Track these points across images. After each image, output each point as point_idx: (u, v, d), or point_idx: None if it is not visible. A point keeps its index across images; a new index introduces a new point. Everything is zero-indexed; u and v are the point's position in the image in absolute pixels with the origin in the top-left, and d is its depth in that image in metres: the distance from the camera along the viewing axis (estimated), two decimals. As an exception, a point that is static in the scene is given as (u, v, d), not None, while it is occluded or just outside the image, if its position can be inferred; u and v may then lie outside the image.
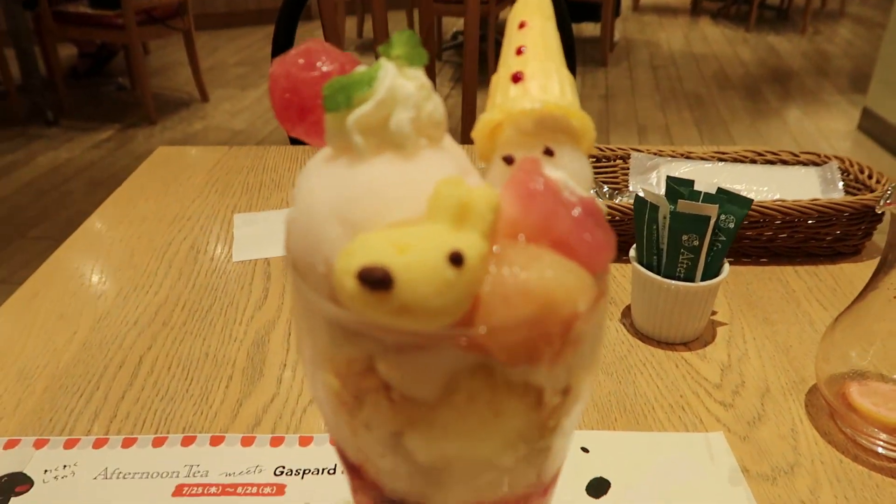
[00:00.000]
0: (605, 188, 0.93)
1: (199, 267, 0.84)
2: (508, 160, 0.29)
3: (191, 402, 0.63)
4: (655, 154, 0.96)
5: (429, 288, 0.22)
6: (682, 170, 0.94)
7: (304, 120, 0.30)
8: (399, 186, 0.25)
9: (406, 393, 0.25)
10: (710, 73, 4.57)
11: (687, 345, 0.71)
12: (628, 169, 0.96)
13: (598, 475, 0.56)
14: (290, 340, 0.71)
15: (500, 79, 0.31)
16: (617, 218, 0.81)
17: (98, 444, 0.59)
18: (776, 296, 0.79)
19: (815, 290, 0.79)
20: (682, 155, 0.96)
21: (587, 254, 0.25)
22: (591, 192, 0.30)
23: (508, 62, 0.31)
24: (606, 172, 0.97)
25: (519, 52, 0.31)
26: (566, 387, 0.27)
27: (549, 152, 0.29)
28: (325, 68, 0.30)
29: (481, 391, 0.25)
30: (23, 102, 3.80)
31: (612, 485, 0.55)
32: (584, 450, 0.58)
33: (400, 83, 0.25)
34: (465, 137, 1.45)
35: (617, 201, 0.91)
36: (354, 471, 0.30)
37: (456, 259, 0.22)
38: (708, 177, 0.92)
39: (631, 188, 0.94)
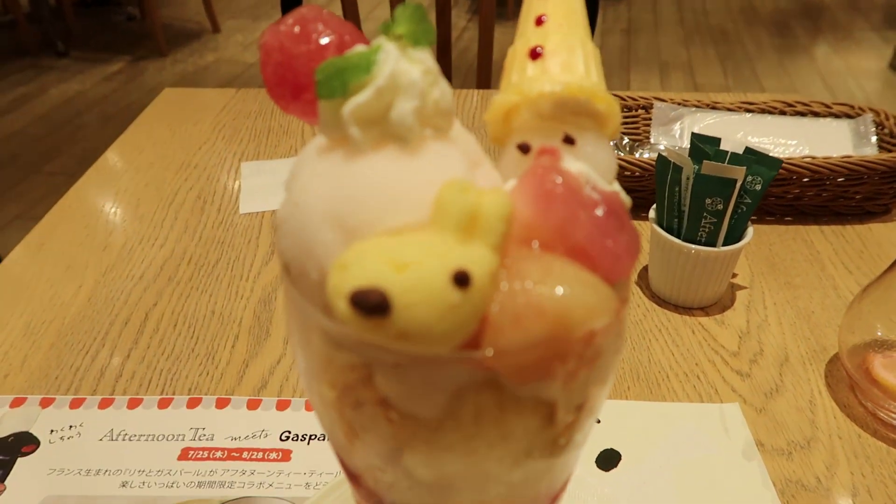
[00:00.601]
0: (626, 140, 0.89)
1: (206, 218, 0.82)
2: (524, 148, 0.26)
3: (196, 362, 0.62)
4: (679, 104, 0.92)
5: (430, 312, 0.19)
6: (708, 121, 0.89)
7: (298, 98, 0.28)
8: (400, 187, 0.22)
9: (406, 410, 0.23)
10: (738, 6, 4.39)
11: (705, 309, 0.68)
12: (650, 119, 0.91)
13: (609, 447, 0.55)
14: (297, 298, 0.70)
15: (516, 53, 0.28)
16: (637, 174, 0.78)
17: (104, 404, 0.58)
18: (800, 258, 0.76)
19: (841, 253, 0.76)
20: (707, 105, 0.92)
21: (608, 263, 0.23)
22: (616, 184, 0.27)
23: (527, 33, 0.28)
24: (627, 123, 0.93)
25: (539, 21, 0.28)
26: (581, 403, 0.25)
27: (569, 140, 0.26)
28: (322, 40, 0.27)
29: (488, 409, 0.23)
30: (32, 32, 3.73)
31: (622, 457, 0.54)
32: (597, 420, 0.57)
33: (403, 68, 0.22)
34: (480, 80, 1.40)
35: (637, 155, 0.87)
36: (354, 478, 0.28)
37: (461, 279, 0.20)
38: (734, 130, 0.87)
39: (653, 140, 0.90)
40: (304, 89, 0.27)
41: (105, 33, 3.95)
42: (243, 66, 3.53)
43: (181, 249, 0.77)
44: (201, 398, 0.59)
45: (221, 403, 0.58)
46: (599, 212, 0.23)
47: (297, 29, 0.27)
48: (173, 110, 1.08)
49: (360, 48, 0.23)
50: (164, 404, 0.58)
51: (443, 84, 0.24)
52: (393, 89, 0.22)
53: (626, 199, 0.26)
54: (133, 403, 0.58)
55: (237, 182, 0.89)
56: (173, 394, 0.59)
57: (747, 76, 3.44)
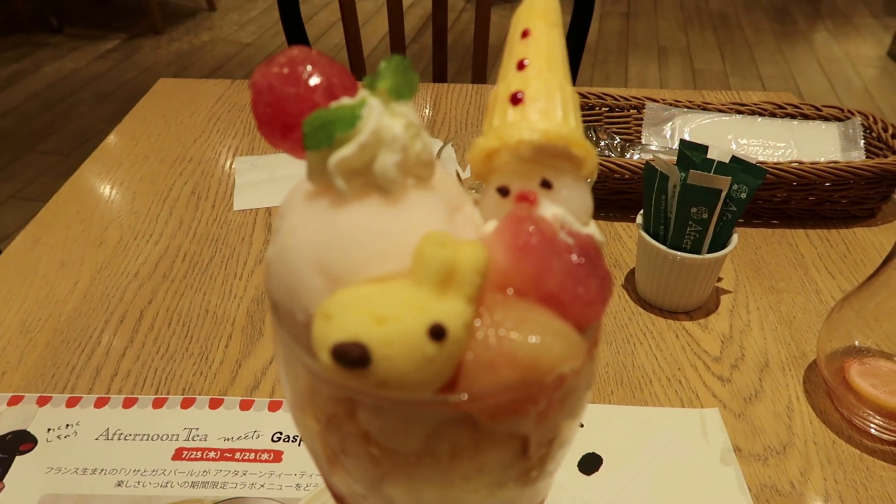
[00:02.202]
0: (617, 140, 0.90)
1: (200, 215, 0.83)
2: (503, 191, 0.27)
3: (190, 362, 0.64)
4: (671, 104, 0.93)
5: (408, 364, 0.21)
6: (698, 122, 0.90)
7: (287, 137, 0.29)
8: (382, 237, 0.24)
9: (386, 444, 0.25)
10: (738, -9, 4.37)
11: (689, 314, 0.70)
12: (642, 119, 0.92)
13: (591, 451, 0.56)
14: (290, 297, 0.71)
15: (498, 97, 0.29)
16: (626, 176, 0.79)
17: (100, 403, 0.60)
18: (784, 261, 0.77)
19: (825, 257, 0.78)
20: (698, 106, 0.93)
21: (580, 309, 0.24)
22: (591, 225, 0.28)
23: (508, 77, 0.29)
24: (619, 122, 0.94)
25: (520, 66, 0.29)
26: (552, 437, 0.26)
27: (546, 184, 0.27)
28: (311, 82, 0.28)
29: (464, 444, 0.25)
30: (26, 6, 3.70)
31: (604, 461, 0.55)
32: (579, 424, 0.58)
33: (385, 123, 0.24)
34: (476, 69, 1.41)
35: (628, 156, 0.88)
36: (339, 499, 0.30)
37: (437, 333, 0.21)
38: (724, 132, 0.88)
39: (644, 140, 0.91)
40: (292, 129, 0.28)
41: (100, 10, 3.92)
42: (239, 46, 3.51)
43: (175, 246, 0.78)
44: (195, 398, 0.60)
45: (215, 404, 0.60)
46: (572, 259, 0.25)
47: (286, 70, 0.28)
48: (168, 100, 1.09)
49: (345, 101, 0.24)
50: (158, 404, 0.60)
51: (424, 137, 0.25)
52: (376, 144, 0.24)
53: (601, 239, 0.27)
54: (128, 403, 0.60)
55: (231, 177, 0.90)
56: (168, 393, 0.61)
57: (745, 62, 3.44)
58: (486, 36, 1.40)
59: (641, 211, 0.70)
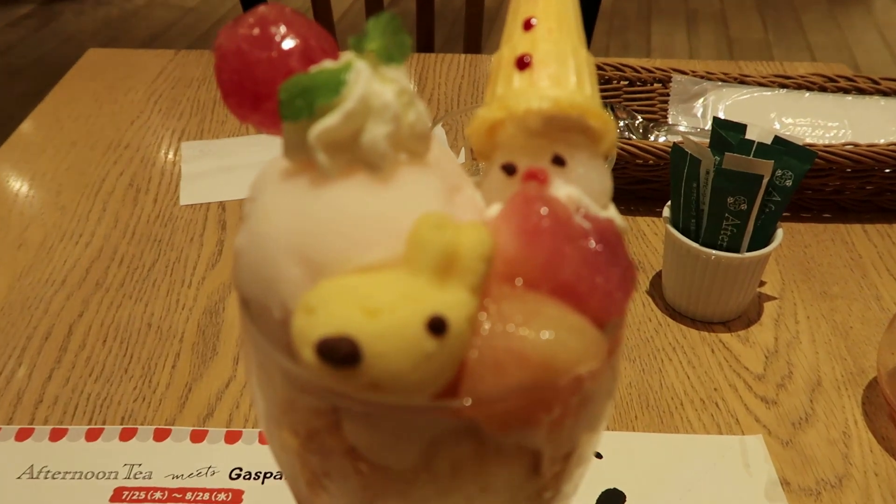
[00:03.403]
0: (639, 119, 0.92)
1: (140, 211, 0.84)
2: (509, 169, 0.29)
3: (130, 385, 0.65)
4: (702, 77, 0.95)
5: (404, 362, 0.22)
6: (734, 98, 0.92)
7: (258, 108, 0.30)
8: (372, 220, 0.25)
9: (376, 460, 0.26)
10: (782, -56, 4.42)
11: (727, 324, 0.72)
12: (668, 95, 0.94)
13: (612, 486, 0.58)
14: (249, 308, 0.72)
15: (502, 61, 0.30)
16: (650, 162, 0.81)
17: (22, 435, 0.61)
18: (839, 262, 0.79)
19: (886, 256, 0.80)
20: (735, 79, 0.95)
21: (599, 302, 0.25)
22: (611, 208, 0.30)
23: (513, 38, 0.30)
24: (642, 99, 0.95)
25: (527, 25, 0.30)
26: (569, 451, 0.28)
27: (558, 161, 0.29)
28: (285, 45, 0.29)
29: (466, 459, 0.26)
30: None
31: (627, 498, 0.57)
32: (597, 455, 0.60)
33: (375, 89, 0.25)
34: (468, 38, 1.42)
35: (652, 138, 0.90)
36: (318, 531, 0.31)
37: (437, 326, 0.22)
38: (766, 109, 0.90)
39: (671, 120, 0.93)
40: (264, 99, 0.30)
41: (9, -32, 3.92)
42: (181, 11, 3.52)
43: (111, 248, 0.79)
44: (137, 429, 0.61)
45: (160, 435, 0.61)
46: (590, 245, 0.26)
47: (256, 31, 0.30)
48: (99, 76, 1.10)
49: (328, 64, 0.26)
50: (93, 436, 0.61)
51: (418, 106, 0.26)
52: (364, 112, 0.25)
53: (623, 225, 0.29)
54: (56, 434, 0.61)
55: (177, 166, 0.91)
56: (104, 423, 0.62)
57: (791, 29, 3.48)
58: (479, 1, 1.42)
59: (668, 203, 0.72)
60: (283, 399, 0.27)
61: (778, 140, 0.68)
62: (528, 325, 0.24)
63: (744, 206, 0.65)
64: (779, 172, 0.66)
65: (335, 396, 0.25)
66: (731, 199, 0.65)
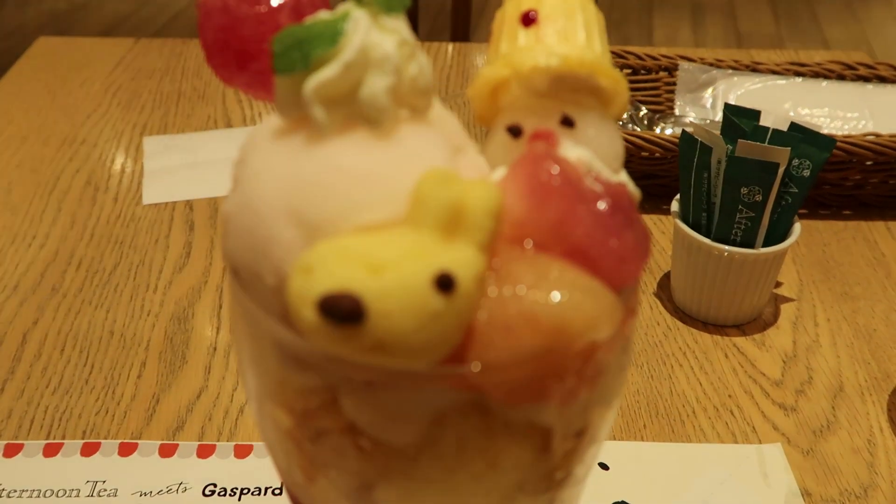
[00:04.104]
0: (643, 110, 0.94)
1: (99, 211, 0.85)
2: (515, 131, 0.30)
3: (92, 397, 0.65)
4: (711, 65, 0.97)
5: (410, 320, 0.23)
6: (746, 87, 0.94)
7: (245, 68, 0.31)
8: (371, 177, 0.26)
9: (378, 437, 0.27)
10: (793, -69, 4.50)
11: (741, 327, 0.73)
12: (674, 84, 0.96)
13: (620, 499, 0.59)
14: (221, 315, 0.73)
15: (506, 17, 0.31)
16: (657, 155, 0.83)
17: (-28, 450, 0.61)
18: (860, 261, 0.81)
19: (912, 255, 0.82)
20: (746, 67, 0.97)
21: (612, 265, 0.27)
22: (623, 173, 0.31)
23: (518, -6, 0.32)
24: (646, 88, 0.97)
25: (532, -20, 0.32)
26: (581, 428, 0.29)
27: (567, 122, 0.30)
28: (274, 2, 0.30)
29: (473, 436, 0.27)
30: None
31: (637, 512, 0.58)
32: (604, 466, 0.61)
33: (374, 40, 0.26)
34: (455, 27, 1.44)
35: (658, 130, 0.92)
36: (312, 524, 0.32)
37: (445, 283, 0.23)
38: (780, 99, 0.92)
39: (678, 111, 0.95)
40: (251, 58, 0.31)
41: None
42: (136, 3, 3.52)
43: (67, 251, 0.80)
44: (100, 443, 0.62)
45: (126, 450, 0.61)
46: (602, 206, 0.27)
47: (243, -14, 0.31)
48: (52, 66, 1.10)
49: (323, 14, 0.27)
50: (51, 451, 0.61)
51: (421, 58, 0.27)
52: (363, 64, 0.26)
53: (635, 192, 0.30)
54: (11, 450, 0.61)
55: (139, 163, 0.92)
56: (63, 438, 0.62)
57: (805, 23, 3.53)
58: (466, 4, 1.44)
59: (677, 196, 0.73)
60: (277, 374, 0.28)
61: (795, 127, 0.69)
62: (540, 287, 0.25)
63: (758, 198, 0.66)
64: (796, 162, 0.68)
65: (334, 364, 0.25)
66: (745, 189, 0.66)
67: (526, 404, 0.27)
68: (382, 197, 0.26)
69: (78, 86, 1.06)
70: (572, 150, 0.29)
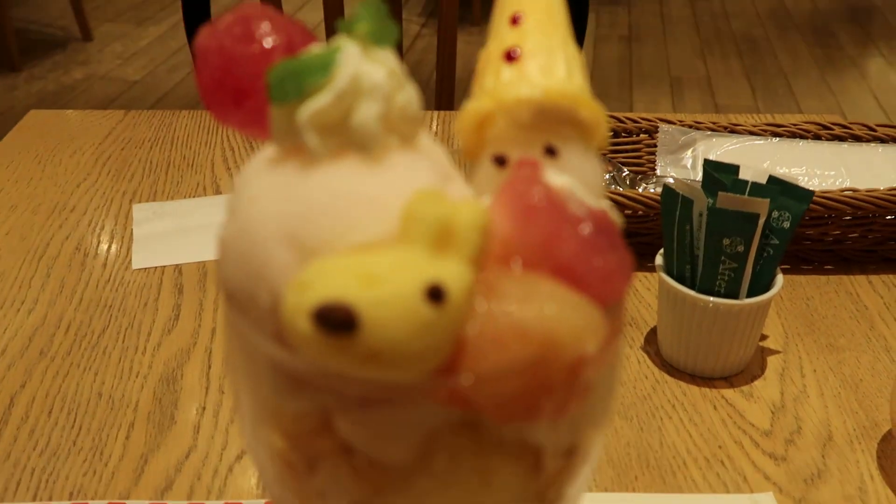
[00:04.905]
0: (625, 171, 0.96)
1: (88, 276, 0.85)
2: (500, 161, 0.31)
3: (79, 459, 0.65)
4: (691, 126, 0.99)
5: (402, 330, 0.24)
6: (726, 148, 0.97)
7: (240, 107, 0.32)
8: (363, 199, 0.27)
9: (372, 456, 0.27)
10: (766, 9, 4.64)
11: (728, 379, 0.74)
12: (655, 146, 0.98)
13: (614, 550, 0.58)
14: (210, 375, 0.73)
15: (490, 56, 0.33)
16: (640, 213, 0.84)
17: (-43, 513, 0.60)
18: (844, 314, 0.82)
19: (894, 307, 0.83)
20: (724, 128, 0.99)
21: (598, 283, 0.27)
22: (605, 200, 0.32)
23: (501, 34, 0.33)
24: (627, 151, 0.99)
25: (514, 20, 0.33)
26: (571, 446, 0.29)
27: (551, 151, 0.31)
28: (268, 42, 0.32)
29: (466, 454, 0.27)
30: None
31: (631, 562, 0.58)
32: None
33: (365, 69, 0.27)
34: (440, 100, 1.48)
35: (640, 190, 0.94)
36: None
37: (435, 294, 0.24)
38: (758, 158, 0.95)
39: (659, 172, 0.97)
40: (246, 96, 0.32)
41: (-66, 42, 3.99)
42: (124, 85, 3.58)
43: (56, 315, 0.80)
44: None
45: (114, 509, 0.61)
46: (587, 229, 0.28)
47: (238, 28, 0.32)
48: (42, 138, 1.12)
49: (316, 47, 0.28)
50: (37, 512, 0.61)
51: (409, 88, 0.29)
52: (355, 92, 0.27)
53: (618, 218, 0.31)
54: (-4, 512, 0.61)
55: (128, 229, 0.93)
56: (50, 499, 0.62)
57: (782, 95, 3.62)
58: (451, 65, 1.47)
59: (661, 251, 0.74)
60: (272, 397, 0.29)
61: (773, 179, 0.71)
62: (528, 301, 0.26)
63: (741, 248, 0.68)
64: (775, 214, 0.69)
65: (328, 380, 0.26)
66: (727, 240, 0.68)
67: (517, 421, 0.27)
68: (374, 217, 0.27)
69: (68, 156, 1.07)
70: (556, 178, 0.30)
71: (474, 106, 0.32)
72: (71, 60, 3.83)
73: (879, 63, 4.01)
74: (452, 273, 0.25)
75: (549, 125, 0.32)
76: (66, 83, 3.59)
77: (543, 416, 0.27)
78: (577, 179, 0.31)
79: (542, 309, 0.26)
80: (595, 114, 0.32)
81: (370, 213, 0.27)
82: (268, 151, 0.29)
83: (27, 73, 3.68)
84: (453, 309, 0.24)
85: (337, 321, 0.23)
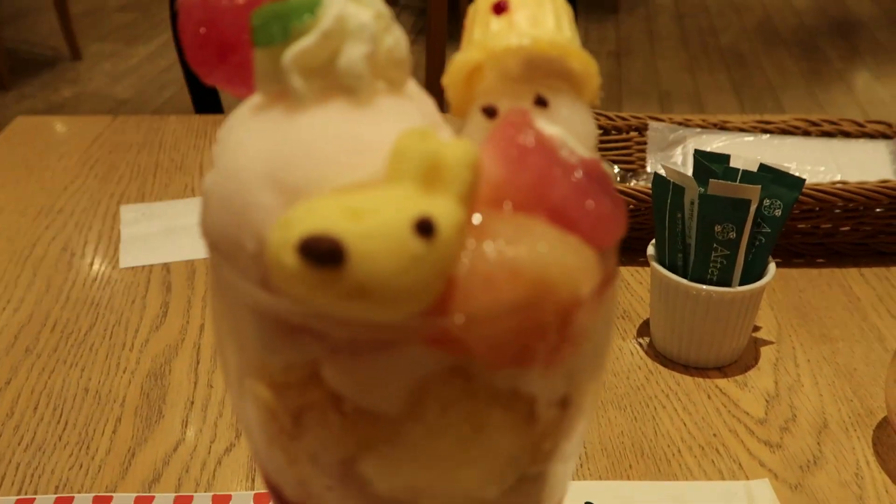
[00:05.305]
0: (616, 169, 0.95)
1: (75, 275, 0.84)
2: (490, 112, 0.31)
3: (66, 453, 0.64)
4: (680, 124, 0.99)
5: (391, 263, 0.23)
6: (715, 144, 0.96)
7: (224, 61, 0.32)
8: (350, 141, 0.26)
9: (361, 405, 0.27)
10: (754, 24, 4.67)
11: (722, 370, 0.73)
12: (645, 143, 0.98)
13: (609, 537, 0.58)
14: (199, 370, 0.72)
15: (478, 9, 0.32)
16: (631, 206, 0.84)
17: (-60, 508, 0.59)
18: (836, 306, 0.81)
19: (887, 299, 0.82)
20: (714, 125, 0.99)
21: (591, 226, 0.27)
22: (597, 152, 0.31)
23: (488, -12, 0.33)
24: (617, 148, 0.99)
25: (502, -25, 0.33)
26: (564, 397, 0.28)
27: (541, 102, 0.31)
28: (252, -6, 0.31)
29: (458, 403, 0.27)
30: None
31: (626, 549, 0.57)
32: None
33: (351, 10, 0.27)
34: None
35: (631, 185, 0.94)
36: (292, 513, 0.31)
37: (425, 227, 0.23)
38: (748, 153, 0.94)
39: (649, 169, 0.96)
40: (231, 50, 0.32)
41: (-77, 62, 3.98)
42: (113, 103, 3.57)
43: (42, 313, 0.79)
44: (73, 497, 0.60)
45: (101, 502, 0.60)
46: (579, 173, 0.28)
47: (222, -18, 0.32)
48: (30, 143, 1.11)
49: (301, -8, 0.28)
50: (22, 506, 0.59)
51: (396, 31, 0.28)
52: (341, 33, 0.27)
53: (610, 169, 0.31)
54: (-20, 507, 0.59)
55: (115, 230, 0.92)
56: (35, 493, 0.60)
57: (770, 109, 3.63)
58: (440, 82, 1.47)
59: (653, 241, 0.74)
60: (257, 348, 0.28)
61: (764, 168, 0.71)
62: (520, 241, 0.25)
63: (732, 235, 0.67)
64: (767, 202, 0.69)
65: (316, 322, 0.25)
66: (719, 227, 0.67)
67: (509, 366, 0.27)
68: (361, 158, 0.26)
69: (56, 160, 1.07)
70: (547, 128, 0.30)
71: (463, 57, 0.31)
72: (60, 79, 3.82)
73: (866, 77, 4.03)
74: (442, 208, 0.24)
75: (539, 76, 0.31)
76: (55, 101, 3.58)
77: (536, 361, 0.27)
78: (568, 131, 0.30)
79: (535, 248, 0.25)
80: (585, 65, 0.31)
81: (357, 154, 0.26)
82: (252, 100, 0.29)
83: (17, 91, 3.67)
84: (443, 244, 0.24)
85: (323, 253, 0.23)
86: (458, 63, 0.31)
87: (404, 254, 0.23)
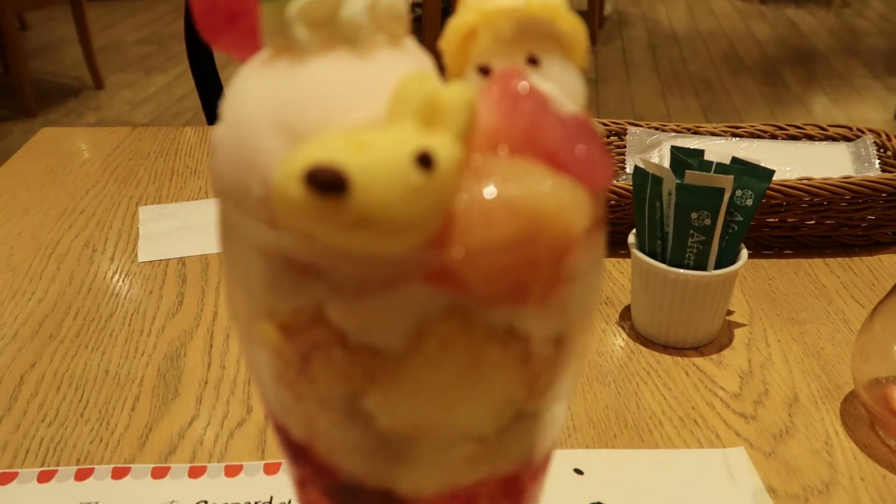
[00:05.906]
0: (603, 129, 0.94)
1: (96, 268, 0.83)
2: (485, 70, 0.30)
3: (87, 428, 0.62)
4: (657, 129, 0.98)
5: (393, 193, 0.22)
6: (689, 146, 0.96)
7: (232, 26, 0.31)
8: (353, 85, 0.25)
9: (365, 342, 0.25)
10: (720, 53, 4.69)
11: (699, 349, 0.72)
12: (624, 147, 0.98)
13: (595, 500, 0.56)
14: (212, 353, 0.71)
15: (472, -25, 0.31)
16: (612, 202, 0.83)
17: (-33, 479, 0.58)
18: (804, 292, 0.81)
19: (850, 286, 0.82)
20: (688, 129, 0.98)
21: (581, 169, 0.26)
22: (586, 110, 0.30)
23: (482, -43, 0.32)
24: (598, 152, 0.98)
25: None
26: (558, 335, 0.27)
27: (533, 61, 0.30)
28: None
29: (457, 339, 0.26)
30: None
31: (613, 511, 0.55)
32: (578, 471, 0.58)
33: (353, -35, 0.26)
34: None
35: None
36: (300, 454, 0.30)
37: (425, 160, 0.22)
38: (720, 155, 0.94)
39: (628, 169, 0.96)
40: (238, 15, 0.31)
41: (-42, 91, 3.97)
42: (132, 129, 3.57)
43: (65, 303, 0.77)
44: (93, 468, 0.59)
45: (119, 473, 0.58)
46: (570, 122, 0.27)
47: (230, -48, 0.31)
48: (54, 151, 1.10)
49: (305, -50, 0.27)
50: (45, 478, 0.58)
51: (396, -14, 0.27)
52: (343, -14, 0.26)
53: (599, 127, 0.30)
54: (5, 478, 0.58)
55: (134, 228, 0.91)
56: (57, 465, 0.59)
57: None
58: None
59: (634, 231, 0.73)
60: (265, 293, 0.27)
61: (736, 160, 0.70)
62: (515, 179, 0.24)
63: (707, 221, 0.66)
64: (739, 192, 0.68)
65: (321, 258, 0.24)
66: (695, 214, 0.66)
67: (505, 302, 0.26)
68: (364, 101, 0.25)
69: (78, 166, 1.06)
70: (539, 83, 0.29)
71: (458, 20, 0.30)
72: (84, 106, 3.82)
73: (823, 101, 4.04)
74: (441, 144, 0.23)
75: (531, 38, 0.30)
76: (79, 126, 3.57)
77: (531, 298, 0.26)
78: (559, 88, 0.29)
79: (531, 186, 0.24)
80: (574, 27, 0.30)
81: (360, 97, 0.25)
82: (259, 56, 0.28)
83: (42, 118, 3.66)
84: (442, 177, 0.23)
85: (327, 182, 0.22)
86: (455, 26, 0.30)
87: (405, 184, 0.22)
